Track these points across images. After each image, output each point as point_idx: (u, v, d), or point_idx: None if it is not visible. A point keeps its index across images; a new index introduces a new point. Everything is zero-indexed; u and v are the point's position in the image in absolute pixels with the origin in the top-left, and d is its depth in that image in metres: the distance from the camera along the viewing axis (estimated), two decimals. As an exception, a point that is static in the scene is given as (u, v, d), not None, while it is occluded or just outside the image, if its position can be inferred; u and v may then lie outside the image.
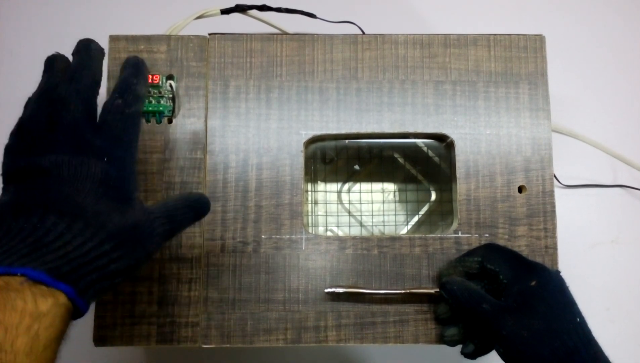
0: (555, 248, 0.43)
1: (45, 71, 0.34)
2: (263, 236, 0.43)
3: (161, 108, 0.43)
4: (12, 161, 0.31)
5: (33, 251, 0.27)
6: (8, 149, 0.32)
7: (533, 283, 0.36)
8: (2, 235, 0.28)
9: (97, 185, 0.30)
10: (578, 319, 0.35)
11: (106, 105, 0.34)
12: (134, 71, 0.36)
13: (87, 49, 0.35)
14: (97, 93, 0.34)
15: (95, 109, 0.33)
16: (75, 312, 0.28)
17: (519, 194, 0.44)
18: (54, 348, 0.27)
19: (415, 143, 0.51)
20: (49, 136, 0.31)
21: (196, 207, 0.36)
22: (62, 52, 0.36)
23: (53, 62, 0.34)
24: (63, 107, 0.32)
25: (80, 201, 0.29)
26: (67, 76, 0.33)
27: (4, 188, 0.31)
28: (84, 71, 0.34)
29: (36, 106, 0.32)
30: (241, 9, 0.48)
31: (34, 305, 0.26)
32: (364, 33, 0.51)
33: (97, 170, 0.31)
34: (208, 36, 0.45)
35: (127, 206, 0.31)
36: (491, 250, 0.40)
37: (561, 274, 0.38)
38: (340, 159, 0.54)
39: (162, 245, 0.33)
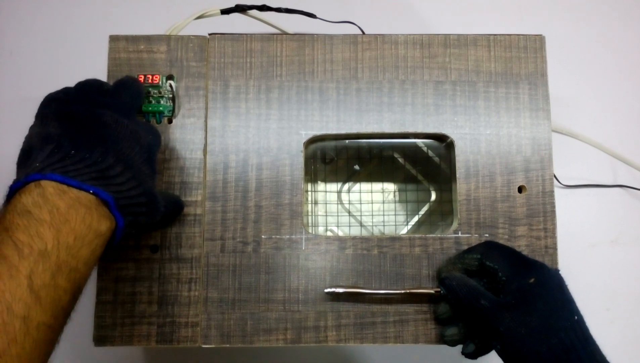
0: (555, 248, 0.43)
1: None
2: (263, 236, 0.43)
3: (161, 108, 0.43)
4: (66, 106, 0.34)
5: (100, 178, 0.31)
6: (55, 96, 0.35)
7: (532, 280, 0.37)
8: (63, 156, 0.31)
9: (144, 151, 0.35)
10: (576, 317, 0.35)
11: None
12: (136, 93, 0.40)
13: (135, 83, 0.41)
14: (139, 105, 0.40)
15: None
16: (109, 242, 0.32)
17: (519, 194, 0.44)
18: (95, 265, 0.31)
19: (415, 143, 0.51)
20: (113, 100, 0.36)
21: (177, 205, 0.41)
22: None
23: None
24: (124, 89, 0.37)
25: (132, 156, 0.34)
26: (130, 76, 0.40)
27: (41, 120, 0.33)
28: (139, 83, 0.40)
29: (95, 80, 0.38)
30: (241, 9, 0.48)
31: (98, 223, 0.30)
32: (364, 33, 0.51)
33: (146, 141, 0.36)
34: (208, 36, 0.45)
35: (155, 178, 0.37)
36: (490, 247, 0.40)
37: (560, 272, 0.38)
38: (340, 159, 0.54)
39: (158, 224, 0.39)
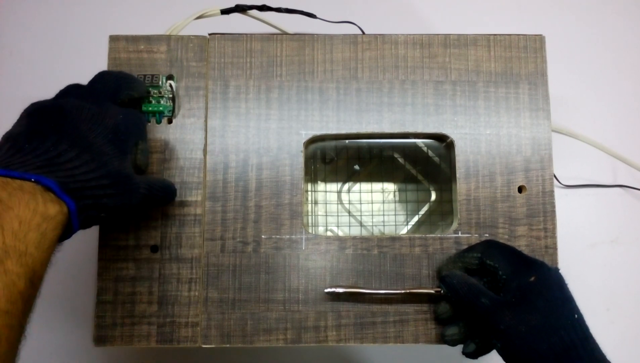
0: (555, 248, 0.43)
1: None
2: (263, 236, 0.43)
3: (161, 108, 0.43)
4: (36, 103, 0.35)
5: (46, 166, 0.31)
6: (36, 101, 0.36)
7: (532, 279, 0.37)
8: (15, 151, 0.31)
9: (108, 131, 0.35)
10: (576, 315, 0.36)
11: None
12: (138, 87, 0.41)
13: (137, 78, 0.42)
14: (127, 95, 0.40)
15: (119, 100, 0.39)
16: (66, 231, 0.32)
17: (519, 194, 0.44)
18: (53, 250, 0.31)
19: (415, 143, 0.51)
20: (78, 90, 0.37)
21: (168, 190, 0.41)
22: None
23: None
24: (100, 78, 0.38)
25: (91, 139, 0.34)
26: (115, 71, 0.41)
27: (17, 121, 0.34)
28: (131, 77, 0.41)
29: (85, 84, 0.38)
30: (241, 9, 0.48)
31: (44, 207, 0.30)
32: (364, 33, 0.51)
33: (111, 121, 0.36)
34: (208, 36, 0.45)
35: (125, 159, 0.36)
36: (490, 246, 0.40)
37: (560, 271, 0.38)
38: (340, 159, 0.54)
39: (140, 207, 0.37)
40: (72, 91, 0.37)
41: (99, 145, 0.34)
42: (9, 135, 0.33)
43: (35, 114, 0.34)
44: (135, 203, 0.36)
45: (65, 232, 0.32)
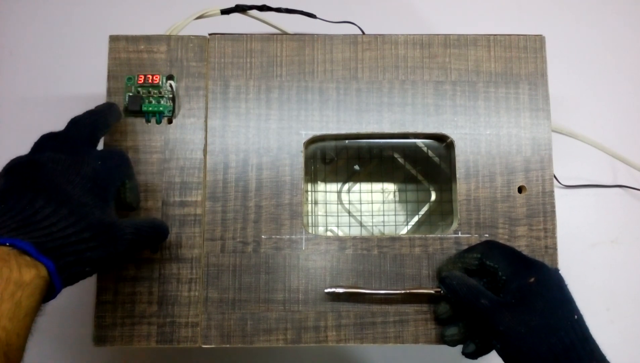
0: (555, 248, 0.43)
1: None
2: (263, 236, 0.43)
3: (161, 108, 0.43)
4: (14, 160, 0.34)
5: (21, 227, 0.30)
6: (15, 157, 0.35)
7: (532, 279, 0.37)
8: None
9: (86, 180, 0.34)
10: (575, 316, 0.35)
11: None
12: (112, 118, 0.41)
13: (109, 106, 0.41)
14: (103, 134, 0.39)
15: (97, 143, 0.38)
16: (49, 292, 0.31)
17: (519, 194, 0.44)
18: (32, 318, 0.29)
19: (415, 143, 0.51)
20: (53, 143, 0.36)
21: (158, 230, 0.39)
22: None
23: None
24: (73, 125, 0.37)
25: (69, 191, 0.33)
26: (85, 112, 0.39)
27: None
28: (101, 113, 0.39)
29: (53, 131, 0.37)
30: (241, 9, 0.48)
31: (19, 274, 0.28)
32: (364, 33, 0.51)
33: (89, 169, 0.35)
34: (208, 36, 0.45)
35: (107, 207, 0.35)
36: (490, 247, 0.40)
37: (560, 272, 0.38)
38: (340, 159, 0.54)
39: (127, 253, 0.36)
40: (46, 143, 0.36)
41: (78, 196, 0.33)
42: None
43: (12, 171, 0.33)
44: (122, 250, 0.35)
45: (48, 294, 0.31)
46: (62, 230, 0.31)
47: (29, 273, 0.28)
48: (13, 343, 0.27)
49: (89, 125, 0.38)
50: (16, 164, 0.34)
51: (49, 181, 0.32)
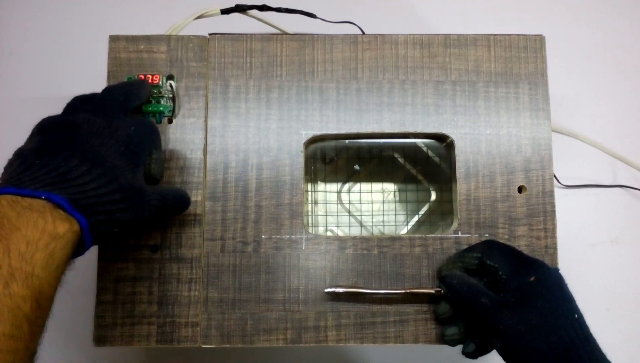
0: (555, 248, 0.43)
1: None
2: (263, 236, 0.43)
3: (161, 108, 0.43)
4: (49, 118, 0.35)
5: (56, 183, 0.31)
6: (47, 117, 0.35)
7: (532, 279, 0.37)
8: (26, 168, 0.31)
9: (120, 144, 0.35)
10: (576, 315, 0.36)
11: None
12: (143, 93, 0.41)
13: (143, 82, 0.42)
14: (135, 105, 0.40)
15: (130, 110, 0.39)
16: (78, 248, 0.32)
17: (519, 194, 0.44)
18: (63, 269, 0.30)
19: (415, 143, 0.51)
20: (87, 106, 0.36)
21: (181, 201, 0.40)
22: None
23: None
24: (107, 92, 0.38)
25: (103, 153, 0.33)
26: (120, 83, 0.40)
27: (29, 138, 0.34)
28: (136, 84, 0.40)
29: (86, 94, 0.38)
30: (241, 9, 0.48)
31: (53, 226, 0.29)
32: (364, 33, 0.51)
33: (123, 133, 0.35)
34: (208, 36, 0.45)
35: (138, 171, 0.36)
36: (490, 246, 0.40)
37: (560, 271, 0.38)
38: (340, 159, 0.54)
39: (152, 219, 0.37)
40: (80, 105, 0.37)
41: (111, 158, 0.34)
42: (20, 151, 0.33)
43: (46, 129, 0.34)
44: (148, 216, 0.35)
45: (78, 249, 0.32)
46: (95, 189, 0.32)
47: (62, 226, 0.29)
48: (45, 291, 0.28)
49: (122, 93, 0.38)
50: (50, 123, 0.34)
51: (84, 141, 0.33)
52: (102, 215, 0.32)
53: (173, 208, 0.39)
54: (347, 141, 0.51)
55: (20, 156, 0.32)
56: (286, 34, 0.49)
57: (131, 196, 0.34)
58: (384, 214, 0.54)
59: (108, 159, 0.33)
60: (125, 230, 0.34)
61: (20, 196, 0.29)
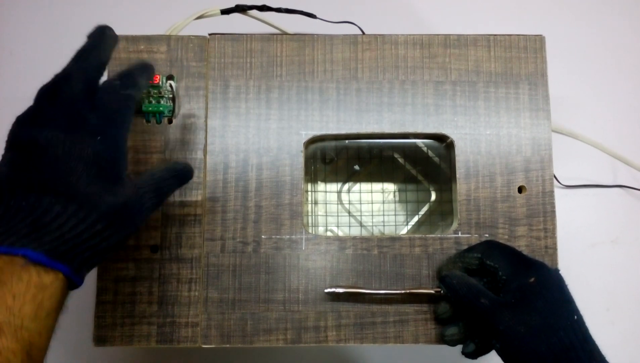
0: (555, 248, 0.43)
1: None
2: (263, 236, 0.43)
3: (161, 108, 0.43)
4: (17, 130, 0.33)
5: (32, 232, 0.29)
6: (18, 117, 0.33)
7: (532, 279, 0.37)
8: (2, 212, 0.30)
9: (90, 166, 0.32)
10: (575, 316, 0.36)
11: (103, 84, 0.35)
12: (139, 65, 0.38)
13: (101, 33, 0.36)
14: (101, 75, 0.36)
15: (95, 89, 0.35)
16: (71, 284, 0.31)
17: (519, 194, 0.44)
18: (55, 317, 0.30)
19: (415, 143, 0.51)
20: (50, 109, 0.33)
21: (180, 176, 0.38)
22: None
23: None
24: (65, 82, 0.34)
25: (74, 182, 0.31)
26: (75, 55, 0.35)
27: (4, 154, 0.33)
28: (93, 51, 0.35)
29: (49, 82, 0.35)
30: (241, 9, 0.48)
31: (38, 278, 0.29)
32: (364, 33, 0.51)
33: (90, 151, 0.32)
34: (208, 36, 0.45)
35: (118, 186, 0.33)
36: (491, 247, 0.40)
37: (560, 272, 0.38)
38: (340, 159, 0.54)
39: (152, 210, 0.35)
40: (45, 111, 0.33)
41: (84, 187, 0.31)
42: None
43: (15, 147, 0.32)
44: (142, 223, 0.34)
45: (71, 287, 0.31)
46: (73, 229, 0.30)
47: (47, 277, 0.29)
48: (35, 342, 0.28)
49: (81, 78, 0.34)
50: (18, 141, 0.32)
51: (53, 171, 0.31)
52: (87, 252, 0.31)
53: (172, 188, 0.37)
54: (347, 141, 0.51)
55: None
56: (286, 34, 0.49)
57: (115, 219, 0.32)
58: (384, 215, 0.54)
59: (80, 189, 0.31)
60: (118, 248, 0.33)
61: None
